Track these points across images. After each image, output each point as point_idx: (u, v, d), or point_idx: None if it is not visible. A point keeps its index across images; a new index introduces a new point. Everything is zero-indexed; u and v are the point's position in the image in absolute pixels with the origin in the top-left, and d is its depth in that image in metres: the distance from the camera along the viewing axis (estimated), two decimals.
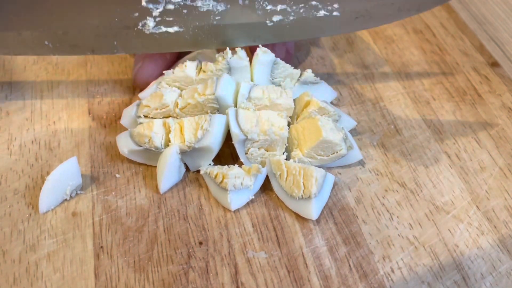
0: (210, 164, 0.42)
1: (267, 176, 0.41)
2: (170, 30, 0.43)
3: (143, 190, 0.41)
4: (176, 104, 0.42)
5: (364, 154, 0.45)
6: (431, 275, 0.37)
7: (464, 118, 0.48)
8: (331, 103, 0.48)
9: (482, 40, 0.56)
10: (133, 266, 0.37)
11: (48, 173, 0.40)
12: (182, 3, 0.42)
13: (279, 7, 0.43)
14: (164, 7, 0.42)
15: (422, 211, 0.41)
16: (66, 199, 0.40)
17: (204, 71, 0.44)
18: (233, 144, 0.41)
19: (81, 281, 0.36)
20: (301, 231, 0.39)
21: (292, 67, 0.46)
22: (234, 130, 0.40)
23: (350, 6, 0.44)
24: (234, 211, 0.40)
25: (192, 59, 0.45)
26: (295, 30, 0.45)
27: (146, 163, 0.43)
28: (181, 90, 0.44)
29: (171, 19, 0.42)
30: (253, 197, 0.40)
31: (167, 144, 0.41)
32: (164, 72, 0.45)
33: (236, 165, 0.41)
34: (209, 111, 0.42)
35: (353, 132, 0.46)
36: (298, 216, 0.40)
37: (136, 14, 0.42)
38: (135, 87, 0.49)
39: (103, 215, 0.39)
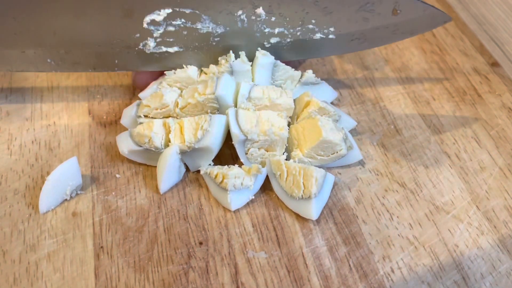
0: (210, 164, 0.42)
1: (267, 176, 0.41)
2: (170, 50, 0.44)
3: (143, 190, 0.41)
4: (176, 104, 0.42)
5: (364, 154, 0.45)
6: (431, 275, 0.37)
7: (464, 118, 0.48)
8: (331, 103, 0.48)
9: (482, 40, 0.56)
10: (133, 266, 0.37)
11: (48, 173, 0.40)
12: (182, 25, 0.42)
13: (276, 30, 0.44)
14: (165, 29, 0.42)
15: (422, 211, 0.41)
16: (66, 199, 0.40)
17: (206, 73, 0.44)
18: (233, 144, 0.41)
19: (81, 281, 0.36)
20: (301, 231, 0.39)
21: (293, 69, 0.46)
22: (234, 131, 0.40)
23: (346, 29, 0.45)
24: (234, 211, 0.40)
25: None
26: (291, 51, 0.46)
27: (146, 163, 0.43)
28: (181, 90, 0.44)
29: (171, 39, 0.43)
30: (253, 197, 0.40)
31: (167, 144, 0.41)
32: (165, 72, 0.45)
33: (236, 165, 0.41)
34: (209, 111, 0.42)
35: (353, 132, 0.46)
36: (298, 216, 0.40)
37: (138, 35, 0.42)
38: (135, 88, 0.49)
39: (103, 215, 0.39)
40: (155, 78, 0.46)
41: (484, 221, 0.40)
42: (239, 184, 0.39)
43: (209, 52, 0.45)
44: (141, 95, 0.45)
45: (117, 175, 0.42)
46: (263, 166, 0.41)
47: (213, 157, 0.41)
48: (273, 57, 0.45)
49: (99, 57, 0.44)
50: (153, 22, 0.42)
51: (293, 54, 0.46)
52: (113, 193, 0.41)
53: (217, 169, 0.40)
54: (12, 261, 0.36)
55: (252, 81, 0.45)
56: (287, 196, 0.40)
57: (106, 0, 0.40)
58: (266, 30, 0.44)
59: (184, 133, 0.40)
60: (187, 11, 0.42)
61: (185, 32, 0.43)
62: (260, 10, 0.42)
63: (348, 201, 0.41)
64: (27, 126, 0.45)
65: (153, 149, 0.41)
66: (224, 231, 0.39)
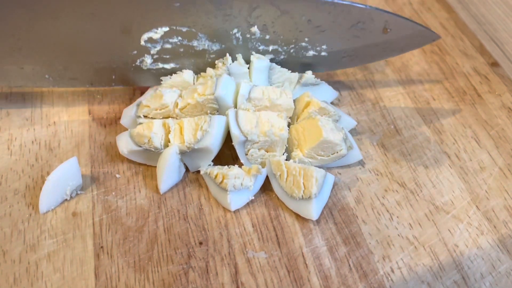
0: (210, 165, 0.42)
1: (267, 176, 0.41)
2: (167, 66, 0.45)
3: (143, 190, 0.41)
4: (176, 105, 0.42)
5: (364, 154, 0.45)
6: (431, 275, 0.37)
7: (464, 118, 0.48)
8: (331, 103, 0.48)
9: (482, 40, 0.56)
10: (133, 266, 0.37)
11: (48, 173, 0.40)
12: (179, 43, 0.43)
13: (270, 47, 0.45)
14: (161, 46, 0.43)
15: (422, 211, 0.41)
16: (66, 199, 0.40)
17: (204, 77, 0.44)
18: (233, 145, 0.41)
19: (81, 281, 0.36)
20: (301, 231, 0.39)
21: (290, 71, 0.46)
22: (234, 132, 0.40)
23: (338, 47, 0.46)
24: (234, 211, 0.40)
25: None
26: (284, 67, 0.47)
27: (146, 163, 0.43)
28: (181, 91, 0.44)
29: (168, 56, 0.44)
30: (253, 197, 0.40)
31: (166, 144, 0.41)
32: (161, 78, 0.45)
33: (236, 166, 0.41)
34: (208, 111, 0.42)
35: (353, 132, 0.46)
36: (298, 216, 0.40)
37: (135, 52, 0.43)
38: (135, 88, 0.49)
39: (103, 215, 0.39)
40: None
41: (484, 221, 0.40)
42: (239, 184, 0.39)
43: (204, 69, 0.46)
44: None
45: (117, 175, 0.42)
46: (263, 167, 0.41)
47: (212, 157, 0.41)
48: (268, 60, 0.45)
49: (96, 73, 0.45)
50: (150, 40, 0.43)
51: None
52: (113, 193, 0.41)
53: (217, 169, 0.40)
54: (12, 261, 0.37)
55: None
56: (287, 196, 0.40)
57: (104, 18, 0.41)
58: (261, 47, 0.45)
59: (184, 134, 0.40)
60: (184, 29, 0.42)
61: (181, 49, 0.44)
62: (255, 29, 0.44)
63: (348, 201, 0.41)
64: (27, 126, 0.45)
65: (153, 149, 0.41)
66: (224, 231, 0.39)
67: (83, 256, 0.37)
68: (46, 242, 0.38)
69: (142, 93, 0.47)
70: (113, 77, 0.45)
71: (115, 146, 0.43)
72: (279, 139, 0.40)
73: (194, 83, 0.45)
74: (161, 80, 0.45)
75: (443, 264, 0.38)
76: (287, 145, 0.42)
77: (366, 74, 0.52)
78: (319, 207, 0.40)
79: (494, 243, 0.39)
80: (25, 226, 0.38)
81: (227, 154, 0.44)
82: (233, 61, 0.44)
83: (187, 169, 0.43)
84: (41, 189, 0.39)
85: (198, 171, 0.42)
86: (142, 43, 0.43)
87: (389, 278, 0.37)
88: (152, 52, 0.43)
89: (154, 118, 0.43)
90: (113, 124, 0.46)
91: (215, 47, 0.44)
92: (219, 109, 0.42)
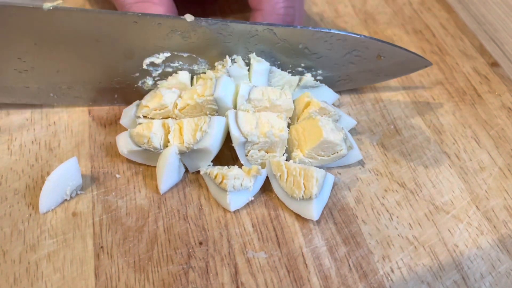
0: (209, 165, 0.42)
1: (267, 177, 0.41)
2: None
3: (143, 190, 0.41)
4: (175, 105, 0.42)
5: (363, 154, 0.45)
6: (431, 275, 0.37)
7: (464, 118, 0.48)
8: (332, 103, 0.48)
9: (481, 40, 0.56)
10: (133, 266, 0.37)
11: (48, 173, 0.40)
12: (179, 66, 0.45)
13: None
14: (163, 69, 0.45)
15: (422, 211, 0.41)
16: (66, 199, 0.40)
17: (203, 78, 0.44)
18: (233, 146, 0.41)
19: (81, 281, 0.36)
20: (301, 231, 0.39)
21: (289, 74, 0.46)
22: (234, 133, 0.40)
23: (333, 72, 0.47)
24: (234, 211, 0.40)
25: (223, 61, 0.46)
26: None
27: (145, 164, 0.43)
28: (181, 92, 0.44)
29: (169, 78, 0.45)
30: (252, 198, 0.40)
31: (166, 144, 0.41)
32: (158, 82, 0.45)
33: (236, 166, 0.41)
34: (208, 112, 0.42)
35: (353, 132, 0.46)
36: (298, 216, 0.40)
37: (137, 74, 0.45)
38: None
39: (103, 215, 0.39)
40: None
41: (484, 221, 0.40)
42: (238, 185, 0.39)
43: None
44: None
45: (117, 175, 0.42)
46: (263, 168, 0.41)
47: (211, 158, 0.41)
48: (268, 64, 0.45)
49: (99, 92, 0.46)
50: (152, 64, 0.44)
51: None
52: (113, 193, 0.41)
53: (217, 170, 0.40)
54: (12, 261, 0.37)
55: None
56: (288, 197, 0.40)
57: (108, 45, 0.42)
58: None
59: (183, 134, 0.40)
60: (185, 54, 0.44)
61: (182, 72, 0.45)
62: (253, 55, 0.45)
63: (348, 201, 0.41)
64: (27, 126, 0.45)
65: (152, 150, 0.41)
66: (224, 231, 0.39)
67: (83, 256, 0.37)
68: (46, 242, 0.38)
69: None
70: (115, 96, 0.46)
71: (115, 146, 0.43)
72: (279, 140, 0.40)
73: (191, 85, 0.45)
74: (158, 84, 0.45)
75: (443, 264, 0.38)
76: (287, 146, 0.42)
77: None
78: (320, 207, 0.40)
79: (494, 243, 0.39)
80: (25, 226, 0.38)
81: (227, 155, 0.44)
82: (232, 64, 0.44)
83: (186, 170, 0.43)
84: (41, 189, 0.39)
85: (198, 171, 0.42)
86: (144, 66, 0.44)
87: (389, 278, 0.37)
88: (153, 74, 0.45)
89: (154, 118, 0.43)
90: (113, 124, 0.46)
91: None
92: (219, 110, 0.42)
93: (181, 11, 0.46)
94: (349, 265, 0.37)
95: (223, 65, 0.44)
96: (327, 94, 0.47)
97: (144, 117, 0.43)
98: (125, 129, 0.44)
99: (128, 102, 0.45)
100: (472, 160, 0.45)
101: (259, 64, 0.45)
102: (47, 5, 0.39)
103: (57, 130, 0.45)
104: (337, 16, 0.59)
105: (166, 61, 0.44)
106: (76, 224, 0.39)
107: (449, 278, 0.37)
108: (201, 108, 0.42)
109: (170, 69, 0.45)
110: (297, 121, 0.44)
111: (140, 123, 0.42)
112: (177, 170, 0.41)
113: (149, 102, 0.43)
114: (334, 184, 0.42)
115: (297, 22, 0.49)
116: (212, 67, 0.45)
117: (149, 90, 0.45)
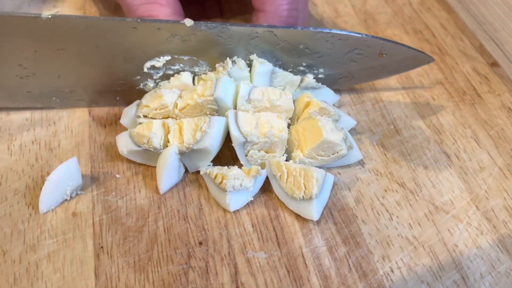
0: (209, 165, 0.42)
1: (267, 177, 0.41)
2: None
3: (143, 190, 0.41)
4: (175, 105, 0.42)
5: (363, 154, 0.45)
6: (431, 275, 0.37)
7: (464, 118, 0.48)
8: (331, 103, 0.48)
9: (481, 40, 0.56)
10: (133, 266, 0.37)
11: (48, 173, 0.40)
12: (180, 69, 0.45)
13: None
14: (164, 72, 0.45)
15: (422, 211, 0.41)
16: (66, 199, 0.40)
17: (204, 80, 0.44)
18: (233, 146, 0.41)
19: (81, 281, 0.36)
20: (301, 231, 0.39)
21: (291, 74, 0.46)
22: (234, 133, 0.40)
23: (334, 70, 0.47)
24: (234, 211, 0.40)
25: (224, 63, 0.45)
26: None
27: (145, 164, 0.43)
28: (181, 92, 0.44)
29: (171, 79, 0.45)
30: (252, 198, 0.41)
31: (166, 144, 0.41)
32: (160, 83, 0.45)
33: (236, 166, 0.41)
34: (208, 112, 0.42)
35: (353, 132, 0.46)
36: (297, 216, 0.40)
37: (138, 77, 0.45)
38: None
39: (103, 215, 0.39)
40: None
41: (484, 221, 0.40)
42: (238, 185, 0.39)
43: None
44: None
45: (117, 175, 0.42)
46: (263, 168, 0.41)
47: (211, 158, 0.41)
48: (271, 65, 0.45)
49: (101, 95, 0.46)
50: (153, 67, 0.44)
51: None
52: (113, 193, 0.41)
53: (217, 170, 0.40)
54: (12, 261, 0.37)
55: None
56: (288, 197, 0.40)
57: (108, 50, 0.42)
58: None
59: (183, 134, 0.40)
60: (185, 57, 0.44)
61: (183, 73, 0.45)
62: (254, 56, 0.45)
63: (348, 201, 0.41)
64: (27, 126, 0.45)
65: (152, 150, 0.41)
66: (224, 231, 0.39)
67: (83, 256, 0.37)
68: (46, 242, 0.38)
69: None
70: (117, 98, 0.47)
71: (115, 146, 0.43)
72: (279, 140, 0.40)
73: (194, 85, 0.45)
74: (160, 84, 0.45)
75: (442, 264, 0.38)
76: (287, 146, 0.42)
77: None
78: (320, 208, 0.40)
79: (494, 243, 0.39)
80: (25, 226, 0.38)
81: (227, 155, 0.44)
82: (233, 65, 0.44)
83: (186, 170, 0.43)
84: (41, 189, 0.39)
85: (198, 171, 0.42)
86: (145, 70, 0.44)
87: (389, 278, 0.37)
88: (154, 77, 0.45)
89: (154, 118, 0.43)
90: (113, 124, 0.46)
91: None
92: (219, 110, 0.42)
93: None
94: (349, 265, 0.37)
95: (223, 67, 0.44)
96: (328, 95, 0.47)
97: (145, 116, 0.43)
98: (125, 129, 0.44)
99: (130, 103, 0.45)
100: (472, 160, 0.45)
101: (262, 66, 0.45)
102: (46, 14, 0.40)
103: (57, 130, 0.45)
104: (337, 16, 0.59)
105: (167, 64, 0.44)
106: (76, 224, 0.39)
107: (449, 278, 0.37)
108: (201, 108, 0.42)
109: (171, 72, 0.45)
110: (297, 121, 0.44)
111: (140, 123, 0.42)
112: (177, 170, 0.41)
113: (150, 102, 0.43)
114: (334, 184, 0.42)
115: (300, 24, 0.49)
116: (213, 69, 0.45)
117: (150, 91, 0.45)
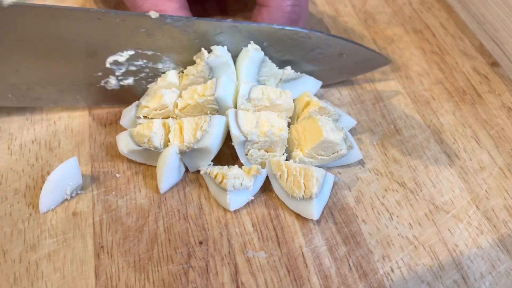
0: (209, 164, 0.42)
1: (267, 176, 0.41)
2: (132, 87, 0.45)
3: (143, 190, 0.41)
4: (176, 105, 0.42)
5: (364, 153, 0.45)
6: (431, 275, 0.37)
7: (464, 118, 0.48)
8: (331, 103, 0.48)
9: (481, 40, 0.56)
10: (133, 266, 0.37)
11: (48, 173, 0.40)
12: (144, 65, 0.44)
13: None
14: (127, 68, 0.43)
15: (422, 211, 0.41)
16: (66, 199, 0.40)
17: (187, 74, 0.44)
18: (233, 145, 0.41)
19: (81, 280, 0.36)
20: (301, 231, 0.39)
21: (277, 67, 0.46)
22: (234, 132, 0.40)
23: (296, 69, 0.47)
24: (234, 211, 0.40)
25: (200, 54, 0.44)
26: None
27: (146, 163, 0.43)
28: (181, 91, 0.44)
29: (132, 78, 0.44)
30: (252, 198, 0.40)
31: (166, 144, 0.41)
32: (148, 86, 0.45)
33: (236, 166, 0.41)
34: (208, 112, 0.42)
35: (353, 131, 0.46)
36: (298, 216, 0.40)
37: (100, 74, 0.43)
38: None
39: (103, 215, 0.39)
40: None
41: (484, 220, 0.40)
42: (238, 184, 0.39)
43: None
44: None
45: (117, 175, 0.42)
46: (263, 167, 0.41)
47: (212, 157, 0.41)
48: (263, 53, 0.45)
49: (60, 93, 0.45)
50: (115, 63, 0.43)
51: None
52: (113, 192, 0.41)
53: (217, 169, 0.40)
54: (13, 260, 0.37)
55: (237, 76, 0.44)
56: (288, 196, 0.40)
57: (70, 43, 0.41)
58: None
59: (184, 134, 0.40)
60: (149, 52, 0.43)
61: (146, 71, 0.44)
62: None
63: (348, 201, 0.41)
64: (27, 126, 0.45)
65: (152, 149, 0.41)
66: (224, 231, 0.39)
67: (83, 256, 0.37)
68: (46, 242, 0.38)
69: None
70: (77, 97, 0.45)
71: (115, 146, 0.43)
72: (279, 139, 0.40)
73: (179, 83, 0.44)
74: (120, 84, 0.44)
75: (443, 263, 0.38)
76: (287, 145, 0.42)
77: (366, 74, 0.52)
78: (320, 207, 0.40)
79: (494, 242, 0.39)
80: (25, 225, 0.38)
81: (227, 154, 0.44)
82: (209, 55, 0.43)
83: (187, 169, 0.43)
84: (41, 188, 0.39)
85: (198, 171, 0.42)
86: (107, 65, 0.43)
87: (389, 278, 0.37)
88: (117, 73, 0.44)
89: (154, 119, 0.43)
90: (113, 124, 0.46)
91: (180, 69, 0.45)
92: (219, 110, 0.42)
93: None
94: (349, 265, 0.37)
95: (201, 58, 0.43)
96: (310, 83, 0.48)
97: (144, 117, 0.43)
98: (125, 129, 0.44)
99: (90, 103, 0.45)
100: (472, 159, 0.45)
101: (256, 52, 0.44)
102: (7, 1, 0.38)
103: (57, 129, 0.45)
104: (337, 16, 0.59)
105: (130, 59, 0.43)
106: (76, 223, 0.39)
107: (449, 277, 0.37)
108: (201, 108, 0.42)
109: (133, 68, 0.43)
110: (297, 121, 0.44)
111: (140, 124, 0.42)
112: (177, 169, 0.41)
113: (149, 102, 0.43)
114: (334, 184, 0.42)
115: (302, 21, 0.49)
116: (177, 66, 0.45)
117: (112, 91, 0.45)
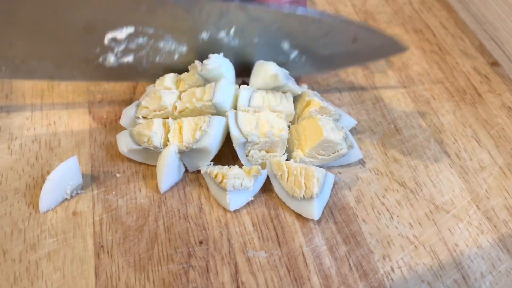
0: (210, 164, 0.42)
1: (267, 176, 0.41)
2: (131, 65, 0.43)
3: (143, 190, 0.41)
4: (175, 107, 0.42)
5: (364, 153, 0.45)
6: (431, 274, 0.37)
7: (464, 117, 0.48)
8: (331, 103, 0.48)
9: (482, 40, 0.56)
10: (133, 265, 0.37)
11: (48, 173, 0.40)
12: (144, 43, 0.42)
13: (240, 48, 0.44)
14: (126, 46, 0.42)
15: (422, 211, 0.41)
16: (66, 199, 0.40)
17: (182, 79, 0.44)
18: (233, 146, 0.41)
19: (81, 280, 0.36)
20: (301, 231, 0.39)
21: (296, 83, 0.45)
22: (234, 133, 0.40)
23: (306, 54, 0.45)
24: (234, 211, 0.40)
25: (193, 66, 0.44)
26: (250, 68, 0.45)
27: (145, 163, 0.43)
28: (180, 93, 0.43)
29: (132, 56, 0.43)
30: (252, 198, 0.40)
31: (166, 143, 0.41)
32: (146, 88, 0.44)
33: (236, 166, 0.41)
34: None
35: (353, 131, 0.46)
36: (298, 216, 0.40)
37: (98, 50, 0.42)
38: (135, 87, 0.49)
39: (103, 214, 0.39)
40: None
41: (484, 220, 0.40)
42: (238, 184, 0.39)
43: (171, 69, 0.44)
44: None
45: (117, 175, 0.42)
46: (263, 168, 0.41)
47: (211, 158, 0.41)
48: (283, 82, 0.43)
49: (56, 68, 0.43)
50: (114, 39, 0.41)
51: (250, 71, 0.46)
52: (113, 192, 0.41)
53: (217, 169, 0.40)
54: (13, 260, 0.37)
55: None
56: (289, 196, 0.40)
57: (67, 17, 0.39)
58: (230, 47, 0.44)
59: (183, 133, 0.40)
60: (150, 30, 0.41)
61: (147, 49, 0.43)
62: (223, 34, 0.42)
63: (348, 201, 0.41)
64: (27, 126, 0.45)
65: (152, 149, 0.41)
66: (224, 231, 0.39)
67: (84, 255, 0.37)
68: (47, 241, 0.38)
69: (142, 92, 0.47)
70: (74, 72, 0.43)
71: (115, 146, 0.43)
72: (279, 140, 0.40)
73: (176, 87, 0.44)
74: (120, 61, 0.43)
75: (443, 263, 0.38)
76: (287, 145, 0.42)
77: (366, 74, 0.52)
78: (320, 207, 0.40)
79: (494, 242, 0.39)
80: (26, 225, 0.38)
81: (227, 154, 0.44)
82: (203, 67, 0.42)
83: (187, 169, 0.43)
84: (41, 188, 0.39)
85: (198, 171, 0.42)
86: (106, 42, 0.41)
87: (389, 277, 0.37)
88: (115, 51, 0.42)
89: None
90: (113, 123, 0.46)
91: (182, 48, 0.43)
92: (218, 115, 0.42)
93: None
94: (350, 264, 0.37)
95: (194, 70, 0.43)
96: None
97: (144, 118, 0.43)
98: (125, 129, 0.44)
99: (87, 79, 0.42)
100: (473, 159, 0.45)
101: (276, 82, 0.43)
102: None
103: (57, 129, 0.45)
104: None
105: (130, 36, 0.41)
106: (76, 223, 0.39)
107: (449, 277, 0.37)
108: (199, 112, 0.42)
109: (133, 46, 0.42)
110: (297, 121, 0.44)
111: (140, 123, 0.42)
112: (177, 169, 0.41)
113: (149, 103, 0.43)
114: (335, 184, 0.42)
115: None
116: (180, 46, 0.43)
117: (111, 68, 0.43)
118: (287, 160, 0.41)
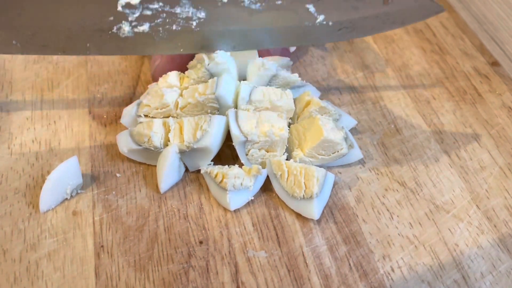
0: (210, 164, 0.42)
1: (267, 176, 0.41)
2: (147, 34, 0.41)
3: (143, 189, 0.41)
4: (176, 104, 0.42)
5: (364, 153, 0.45)
6: (431, 274, 0.37)
7: (464, 117, 0.48)
8: (332, 102, 0.48)
9: (482, 40, 0.56)
10: (133, 265, 0.37)
11: (48, 173, 0.40)
12: (160, 9, 0.40)
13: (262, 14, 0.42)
14: (141, 13, 0.40)
15: (422, 210, 0.41)
16: (66, 198, 0.40)
17: (187, 77, 0.44)
18: (233, 145, 0.41)
19: (81, 280, 0.36)
20: (301, 230, 0.39)
21: (290, 73, 0.45)
22: (235, 132, 0.40)
23: (335, 18, 0.43)
24: (235, 211, 0.40)
25: (200, 60, 0.44)
26: (277, 38, 0.44)
27: (146, 163, 0.43)
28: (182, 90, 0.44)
29: (147, 24, 0.41)
30: (253, 198, 0.40)
31: (166, 143, 0.41)
32: (148, 86, 0.44)
33: (237, 165, 0.41)
34: (209, 111, 0.42)
35: (353, 131, 0.46)
36: (298, 215, 0.40)
37: (111, 18, 0.40)
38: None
39: (103, 214, 0.39)
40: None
41: (484, 220, 0.40)
42: (238, 184, 0.39)
43: (188, 39, 0.42)
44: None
45: (118, 174, 0.42)
46: (263, 167, 0.41)
47: (211, 157, 0.41)
48: (274, 69, 0.43)
49: (69, 40, 0.40)
50: (128, 5, 0.39)
51: (279, 41, 0.44)
52: (114, 192, 0.41)
53: (217, 169, 0.40)
54: (13, 260, 0.37)
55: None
56: (288, 196, 0.40)
57: None
58: (252, 17, 0.42)
59: (184, 133, 0.40)
60: None
61: (163, 15, 0.41)
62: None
63: (348, 200, 0.41)
64: (27, 126, 0.45)
65: (152, 149, 0.41)
66: (225, 230, 0.39)
67: (84, 255, 0.37)
68: (47, 241, 0.38)
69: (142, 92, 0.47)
70: (88, 45, 0.41)
71: (116, 145, 0.43)
72: (279, 139, 0.40)
73: (180, 85, 0.44)
74: (135, 31, 0.41)
75: (443, 263, 0.38)
76: (287, 145, 0.42)
77: (366, 73, 0.52)
78: (320, 207, 0.40)
79: (495, 242, 0.39)
80: (26, 225, 0.38)
81: (227, 154, 0.44)
82: (210, 61, 0.43)
83: (187, 169, 0.43)
84: (41, 188, 0.39)
85: (198, 171, 0.42)
86: (119, 8, 0.39)
87: (389, 277, 0.37)
88: (130, 18, 0.40)
89: (155, 118, 0.43)
90: (113, 123, 0.46)
91: (200, 14, 0.41)
92: (220, 109, 0.42)
93: None
94: (350, 264, 0.37)
95: (201, 64, 0.43)
96: (312, 91, 0.47)
97: (145, 116, 0.43)
98: (126, 128, 0.44)
99: (102, 53, 0.41)
100: (473, 159, 0.45)
101: (266, 70, 0.43)
102: None
103: (57, 129, 0.45)
104: None
105: (144, 1, 0.39)
106: (76, 223, 0.39)
107: (449, 277, 0.37)
108: (202, 106, 0.42)
109: (148, 12, 0.40)
110: (297, 120, 0.44)
111: (140, 122, 0.42)
112: (177, 169, 0.41)
113: (150, 101, 0.43)
114: (335, 183, 0.42)
115: None
116: (197, 10, 0.41)
117: (126, 38, 0.41)
118: (287, 159, 0.41)
